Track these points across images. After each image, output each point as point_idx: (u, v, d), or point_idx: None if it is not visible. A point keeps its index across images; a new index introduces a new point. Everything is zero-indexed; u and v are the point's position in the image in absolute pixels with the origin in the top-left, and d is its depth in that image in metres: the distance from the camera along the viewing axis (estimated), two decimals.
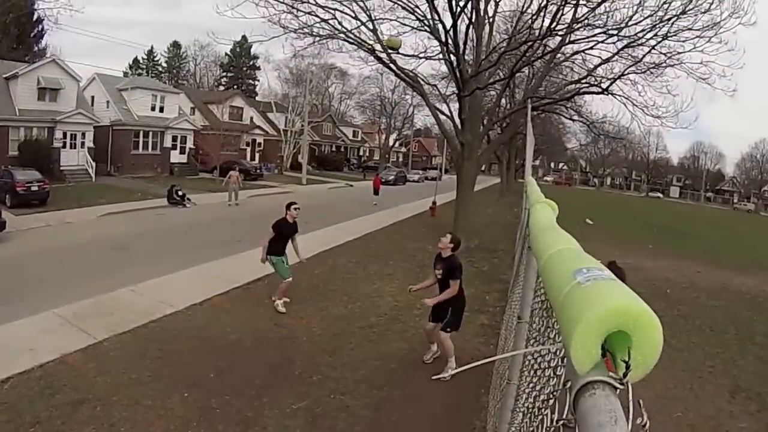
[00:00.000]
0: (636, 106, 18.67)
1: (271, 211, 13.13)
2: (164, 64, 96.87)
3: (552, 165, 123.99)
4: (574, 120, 26.24)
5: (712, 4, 15.93)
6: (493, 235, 22.60)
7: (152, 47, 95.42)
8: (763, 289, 18.54)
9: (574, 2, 16.75)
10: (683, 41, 16.92)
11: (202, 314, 10.40)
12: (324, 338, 9.20)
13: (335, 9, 18.60)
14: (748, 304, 16.09)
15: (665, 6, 16.26)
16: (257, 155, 54.36)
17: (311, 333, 9.52)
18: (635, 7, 16.53)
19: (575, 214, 36.01)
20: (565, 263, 1.42)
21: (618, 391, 0.95)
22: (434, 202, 28.96)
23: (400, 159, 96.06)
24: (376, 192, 33.53)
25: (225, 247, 16.61)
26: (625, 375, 0.96)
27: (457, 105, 20.16)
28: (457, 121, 20.29)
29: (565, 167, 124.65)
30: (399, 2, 18.55)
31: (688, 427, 7.41)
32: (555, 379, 1.77)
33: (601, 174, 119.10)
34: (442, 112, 22.02)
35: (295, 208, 10.66)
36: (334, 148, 74.81)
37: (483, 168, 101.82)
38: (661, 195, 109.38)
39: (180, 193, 26.67)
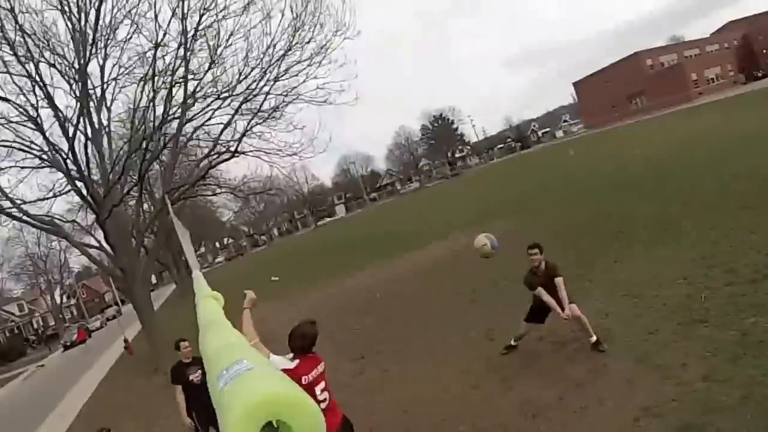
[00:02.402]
0: (269, 153, 19.37)
1: None
2: None
3: (217, 244, 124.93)
4: (217, 194, 26.39)
5: (314, 32, 17.16)
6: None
7: None
8: (461, 244, 20.07)
9: (181, 81, 17.02)
10: (295, 75, 17.95)
11: None
12: None
13: None
14: (455, 264, 17.46)
15: (269, 51, 17.12)
16: None
17: None
18: (240, 64, 17.20)
19: (259, 276, 36.45)
20: (216, 368, 1.40)
21: None
22: (126, 339, 27.25)
23: (75, 312, 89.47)
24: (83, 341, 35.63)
25: None
26: None
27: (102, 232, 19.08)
28: (108, 248, 19.24)
29: (231, 240, 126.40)
30: (12, 145, 17.28)
31: (474, 383, 7.85)
32: None
33: (267, 229, 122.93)
34: (92, 246, 20.78)
35: (185, 346, 8.34)
36: (7, 334, 66.67)
37: (156, 281, 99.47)
38: (328, 218, 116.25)
39: None
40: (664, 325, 7.65)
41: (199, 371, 8.20)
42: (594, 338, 7.73)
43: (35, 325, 79.16)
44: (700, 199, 14.53)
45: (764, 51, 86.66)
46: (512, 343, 8.75)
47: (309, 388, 4.69)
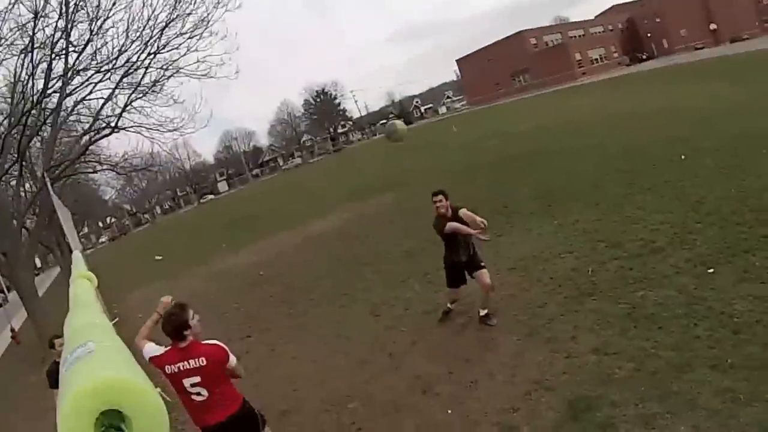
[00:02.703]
0: (150, 129, 18.87)
1: None
2: None
3: (100, 224, 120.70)
4: (98, 171, 25.52)
5: (195, 4, 16.63)
6: None
7: None
8: (344, 218, 19.93)
9: (62, 53, 16.24)
10: (176, 48, 17.48)
11: None
12: None
13: None
14: (339, 238, 17.41)
15: (150, 24, 16.52)
16: None
17: None
18: (121, 37, 16.71)
19: (141, 256, 35.54)
20: (67, 350, 1.39)
21: None
22: (12, 329, 25.59)
23: None
24: None
25: None
26: None
27: None
28: None
29: (114, 220, 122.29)
30: None
31: (361, 361, 7.73)
32: None
33: (149, 207, 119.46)
34: None
35: (60, 343, 6.70)
36: None
37: (40, 265, 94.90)
38: (212, 195, 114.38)
39: None
40: (552, 298, 7.77)
41: None
42: (485, 311, 7.74)
43: None
44: (585, 175, 15.03)
45: (648, 35, 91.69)
46: (449, 306, 8.53)
47: (175, 379, 4.61)
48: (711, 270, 7.02)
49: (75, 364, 1.08)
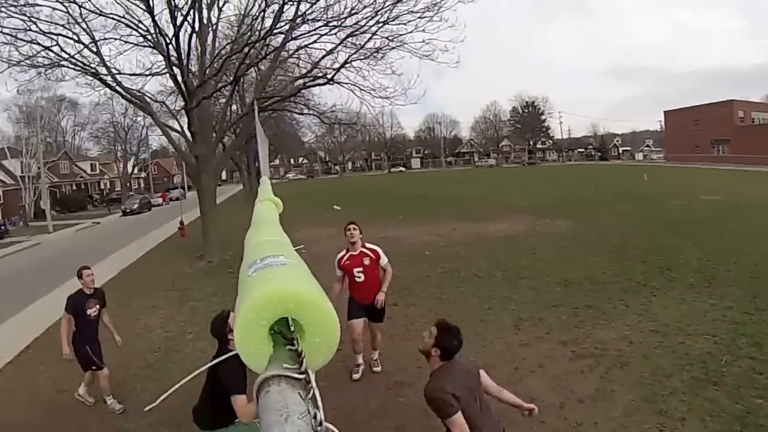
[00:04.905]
0: (363, 90, 19.51)
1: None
2: None
3: (292, 161, 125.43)
4: (304, 114, 26.68)
5: None
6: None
7: None
8: (518, 229, 20.94)
9: (296, 1, 17.01)
10: (405, 23, 17.92)
11: None
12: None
13: (59, 34, 17.10)
14: (507, 245, 17.85)
15: None
16: None
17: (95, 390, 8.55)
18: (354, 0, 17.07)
19: (322, 204, 36.80)
20: (251, 257, 1.36)
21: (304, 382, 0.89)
22: (182, 222, 28.44)
23: (142, 185, 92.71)
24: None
25: None
26: (301, 364, 0.92)
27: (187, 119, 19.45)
28: (189, 135, 19.69)
29: (305, 161, 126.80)
30: (122, 20, 17.55)
31: (486, 366, 8.03)
32: None
33: (342, 161, 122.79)
34: (174, 129, 21.43)
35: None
36: (74, 187, 69.72)
37: (225, 177, 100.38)
38: (403, 168, 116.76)
39: None
40: (679, 373, 7.60)
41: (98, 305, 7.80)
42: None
43: (102, 186, 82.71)
44: (752, 263, 14.01)
45: None
46: None
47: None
48: None
49: (266, 269, 1.12)
